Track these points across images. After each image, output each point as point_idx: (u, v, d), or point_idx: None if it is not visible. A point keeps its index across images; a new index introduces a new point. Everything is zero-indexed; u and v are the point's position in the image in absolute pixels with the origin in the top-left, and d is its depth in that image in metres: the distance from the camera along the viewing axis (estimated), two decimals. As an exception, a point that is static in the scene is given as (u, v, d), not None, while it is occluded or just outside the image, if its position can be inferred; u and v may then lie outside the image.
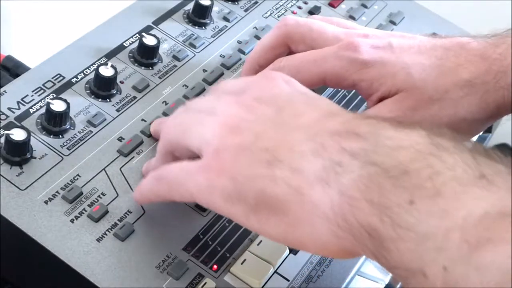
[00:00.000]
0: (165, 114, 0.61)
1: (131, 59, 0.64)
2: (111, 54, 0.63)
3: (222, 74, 0.65)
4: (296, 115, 0.47)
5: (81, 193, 0.53)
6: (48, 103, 0.55)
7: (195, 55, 0.66)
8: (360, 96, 0.68)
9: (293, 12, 0.74)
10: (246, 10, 0.72)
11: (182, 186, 0.49)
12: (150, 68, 0.64)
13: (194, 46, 0.67)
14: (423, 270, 0.38)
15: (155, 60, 0.64)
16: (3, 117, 0.56)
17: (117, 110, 0.60)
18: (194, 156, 0.50)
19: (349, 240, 0.43)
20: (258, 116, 0.48)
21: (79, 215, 0.52)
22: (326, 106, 0.48)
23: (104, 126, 0.58)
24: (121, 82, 0.62)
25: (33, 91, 0.59)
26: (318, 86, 0.61)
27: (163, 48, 0.65)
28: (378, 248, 0.41)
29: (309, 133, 0.45)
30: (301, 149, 0.45)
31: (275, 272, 0.54)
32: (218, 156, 0.47)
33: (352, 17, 0.75)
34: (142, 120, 0.60)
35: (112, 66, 0.60)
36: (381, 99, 0.58)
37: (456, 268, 0.37)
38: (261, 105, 0.48)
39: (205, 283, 0.51)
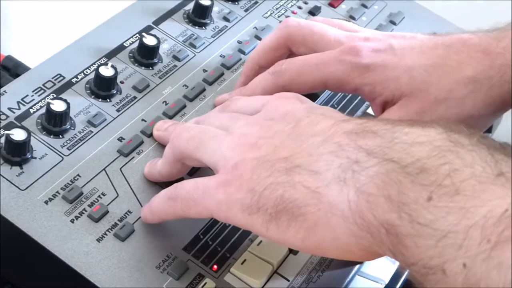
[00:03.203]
0: (165, 114, 0.61)
1: (131, 59, 0.64)
2: (111, 54, 0.63)
3: (222, 74, 0.65)
4: (312, 124, 0.47)
5: (81, 193, 0.53)
6: (48, 103, 0.55)
7: (195, 55, 0.66)
8: (360, 97, 0.68)
9: (293, 12, 0.74)
10: (246, 10, 0.72)
11: (200, 203, 0.49)
12: (150, 68, 0.64)
13: (194, 46, 0.67)
14: (442, 267, 0.38)
15: (155, 60, 0.64)
16: (3, 117, 0.56)
17: (117, 110, 0.60)
18: (205, 166, 0.51)
19: (367, 238, 0.43)
20: (276, 132, 0.48)
21: (79, 215, 0.52)
22: (342, 115, 0.48)
23: (104, 126, 0.58)
24: (121, 82, 0.62)
25: (33, 91, 0.59)
26: (319, 90, 0.61)
27: (163, 48, 0.65)
28: (396, 245, 0.41)
29: (326, 135, 0.46)
30: (319, 152, 0.45)
31: (275, 272, 0.54)
32: (236, 171, 0.47)
33: (352, 17, 0.75)
34: (142, 120, 0.60)
35: (112, 66, 0.60)
36: (385, 103, 0.58)
37: (477, 266, 0.37)
38: (278, 123, 0.49)
39: (205, 283, 0.51)
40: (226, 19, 0.70)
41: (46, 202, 0.52)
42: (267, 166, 0.46)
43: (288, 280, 0.54)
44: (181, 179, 0.56)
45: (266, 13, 0.73)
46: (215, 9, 0.70)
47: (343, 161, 0.44)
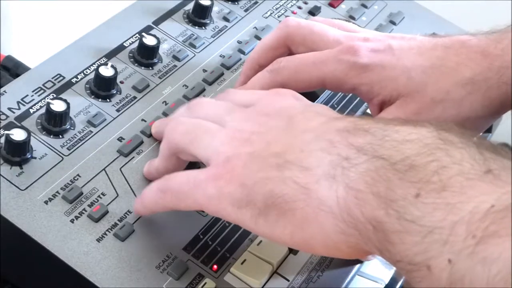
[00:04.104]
0: (165, 114, 0.61)
1: (131, 59, 0.64)
2: (111, 54, 0.63)
3: (222, 74, 0.65)
4: (305, 121, 0.47)
5: (81, 193, 0.53)
6: (48, 103, 0.55)
7: (195, 55, 0.66)
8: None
9: (293, 12, 0.74)
10: (246, 10, 0.72)
11: (190, 196, 0.49)
12: (150, 68, 0.64)
13: (194, 46, 0.67)
14: (427, 263, 0.39)
15: (155, 60, 0.64)
16: (3, 117, 0.56)
17: (117, 110, 0.60)
18: (199, 160, 0.51)
19: (354, 235, 0.43)
20: (269, 127, 0.48)
21: (79, 215, 0.52)
22: (335, 113, 0.49)
23: (104, 126, 0.58)
24: (121, 82, 0.62)
25: (33, 91, 0.59)
26: (317, 88, 0.61)
27: (163, 48, 0.65)
28: (382, 242, 0.41)
29: (318, 132, 0.46)
30: (310, 148, 0.45)
31: (275, 272, 0.54)
32: (228, 165, 0.47)
33: (352, 17, 0.75)
34: (142, 120, 0.60)
35: (112, 66, 0.60)
36: (382, 103, 0.58)
37: (461, 261, 0.37)
38: (272, 119, 0.49)
39: (205, 283, 0.51)
40: (226, 19, 0.70)
41: (46, 202, 0.52)
42: (258, 161, 0.46)
43: (288, 280, 0.54)
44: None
45: (266, 13, 0.73)
46: (215, 9, 0.70)
47: (334, 157, 0.44)
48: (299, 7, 0.75)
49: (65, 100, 0.56)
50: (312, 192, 0.44)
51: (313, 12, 0.74)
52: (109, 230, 0.52)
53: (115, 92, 0.61)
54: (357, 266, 0.57)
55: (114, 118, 0.59)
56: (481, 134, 0.69)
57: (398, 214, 0.40)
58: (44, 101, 0.58)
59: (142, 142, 0.58)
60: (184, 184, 0.49)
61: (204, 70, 0.65)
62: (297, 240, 0.45)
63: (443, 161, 0.40)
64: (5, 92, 0.58)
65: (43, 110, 0.57)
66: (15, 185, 0.52)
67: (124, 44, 0.65)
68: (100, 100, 0.60)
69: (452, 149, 0.41)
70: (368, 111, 0.67)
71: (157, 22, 0.68)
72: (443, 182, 0.39)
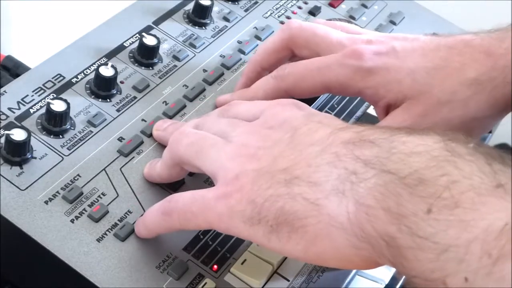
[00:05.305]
0: (165, 114, 0.61)
1: (131, 59, 0.64)
2: (111, 54, 0.63)
3: (222, 74, 0.65)
4: (310, 133, 0.47)
5: (81, 193, 0.53)
6: (48, 103, 0.56)
7: (195, 55, 0.66)
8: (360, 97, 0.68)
9: (293, 12, 0.74)
10: (246, 10, 0.72)
11: (200, 216, 0.48)
12: (150, 68, 0.64)
13: (194, 46, 0.67)
14: (444, 280, 0.38)
15: (155, 60, 0.64)
16: (3, 117, 0.56)
17: (117, 110, 0.60)
18: (203, 173, 0.51)
19: (367, 249, 0.42)
20: (274, 141, 0.48)
21: (79, 215, 0.52)
22: (340, 123, 0.48)
23: (104, 126, 0.58)
24: (121, 82, 0.62)
25: (33, 91, 0.59)
26: (322, 93, 0.61)
27: (163, 48, 0.65)
28: (396, 257, 0.41)
29: (323, 145, 0.46)
30: (317, 162, 0.45)
31: (275, 272, 0.54)
32: (237, 182, 0.47)
33: (352, 17, 0.75)
34: (142, 120, 0.60)
35: (112, 66, 0.60)
36: (388, 106, 0.58)
37: (479, 281, 0.37)
38: (276, 132, 0.49)
39: (205, 283, 0.51)
40: (226, 19, 0.70)
41: (46, 202, 0.52)
42: (267, 177, 0.46)
43: (288, 280, 0.54)
44: (182, 180, 0.56)
45: (266, 13, 0.73)
46: (215, 9, 0.70)
47: (341, 172, 0.44)
48: (299, 7, 0.75)
49: (65, 100, 0.56)
50: (322, 208, 0.44)
51: (313, 12, 0.74)
52: (109, 230, 0.52)
53: (115, 92, 0.61)
54: (357, 266, 0.57)
55: (114, 118, 0.59)
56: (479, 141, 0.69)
57: (410, 230, 0.40)
58: (44, 101, 0.58)
59: (142, 142, 0.58)
60: (191, 204, 0.49)
61: (204, 70, 0.65)
62: (310, 255, 0.45)
63: (453, 175, 0.39)
64: (5, 92, 0.58)
65: (43, 110, 0.57)
66: (15, 185, 0.52)
67: (124, 44, 0.65)
68: (100, 100, 0.60)
69: (460, 161, 0.40)
70: (368, 111, 0.67)
71: (157, 22, 0.68)
72: (455, 198, 0.39)
